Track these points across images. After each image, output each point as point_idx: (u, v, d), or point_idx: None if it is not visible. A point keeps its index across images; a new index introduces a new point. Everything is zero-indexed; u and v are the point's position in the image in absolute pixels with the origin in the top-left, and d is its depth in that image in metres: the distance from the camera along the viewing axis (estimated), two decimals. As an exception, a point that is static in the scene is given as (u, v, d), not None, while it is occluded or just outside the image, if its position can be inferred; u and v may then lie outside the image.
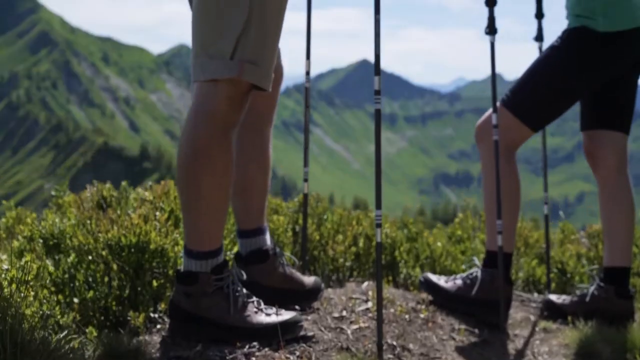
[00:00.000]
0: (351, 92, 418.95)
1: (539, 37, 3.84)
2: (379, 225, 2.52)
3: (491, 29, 3.15)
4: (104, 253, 2.63)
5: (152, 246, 2.61)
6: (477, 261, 3.41)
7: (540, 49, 3.95)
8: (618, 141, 3.32)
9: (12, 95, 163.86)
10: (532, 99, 3.24)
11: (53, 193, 4.38)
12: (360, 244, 3.80)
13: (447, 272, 3.98)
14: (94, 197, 3.56)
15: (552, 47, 3.21)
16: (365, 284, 3.51)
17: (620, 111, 3.30)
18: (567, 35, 3.18)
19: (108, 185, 3.71)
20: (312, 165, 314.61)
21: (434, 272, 3.95)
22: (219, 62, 2.19)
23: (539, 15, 3.81)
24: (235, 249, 3.02)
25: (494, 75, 3.28)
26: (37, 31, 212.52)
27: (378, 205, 2.62)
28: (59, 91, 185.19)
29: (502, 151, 3.25)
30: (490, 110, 3.29)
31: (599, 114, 3.32)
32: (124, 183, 3.81)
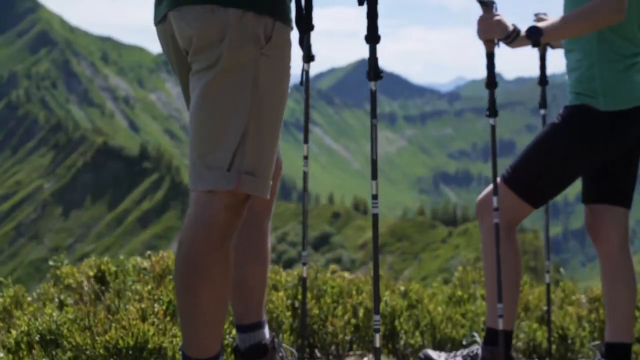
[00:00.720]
0: (351, 92, 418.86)
1: (543, 105, 3.82)
2: (377, 331, 2.39)
3: (491, 112, 3.15)
4: (101, 351, 2.57)
5: (150, 345, 2.55)
6: (478, 337, 3.41)
7: (543, 117, 3.95)
8: (620, 216, 3.30)
9: (12, 94, 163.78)
10: (533, 177, 3.23)
11: (51, 263, 4.14)
12: (360, 315, 3.71)
13: (447, 339, 3.94)
14: (92, 269, 3.53)
15: (553, 125, 3.21)
16: (365, 358, 3.48)
17: (622, 187, 3.28)
18: (569, 114, 3.16)
19: (106, 258, 3.70)
20: (312, 164, 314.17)
21: (435, 340, 3.90)
22: (217, 173, 2.15)
23: (543, 82, 3.78)
24: (232, 332, 3.00)
25: (495, 158, 3.23)
26: (37, 31, 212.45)
27: (376, 311, 2.41)
28: (59, 91, 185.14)
29: (502, 228, 3.23)
30: (491, 186, 3.29)
31: (600, 189, 3.30)
32: (122, 257, 3.79)
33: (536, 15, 3.63)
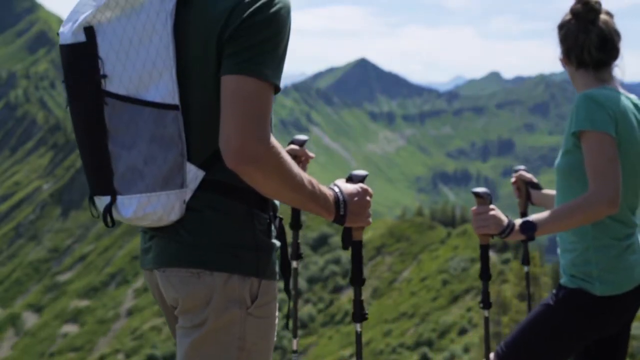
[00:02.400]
0: (349, 91, 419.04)
1: (526, 261, 3.82)
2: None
3: (485, 304, 3.12)
4: None
5: None
6: None
7: (527, 274, 3.91)
8: None
9: (10, 95, 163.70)
10: (525, 356, 3.20)
11: None
12: None
13: None
14: None
15: (547, 306, 3.13)
16: None
17: None
18: (563, 296, 3.10)
19: None
20: (311, 164, 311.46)
21: None
22: None
23: (526, 262, 3.79)
24: None
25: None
26: (36, 31, 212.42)
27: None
28: (57, 91, 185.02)
29: None
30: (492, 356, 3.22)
31: None
32: None
33: (515, 170, 3.65)
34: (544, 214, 2.99)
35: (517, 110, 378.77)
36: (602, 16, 3.08)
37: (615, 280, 3.03)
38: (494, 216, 2.93)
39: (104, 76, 1.99)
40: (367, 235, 69.38)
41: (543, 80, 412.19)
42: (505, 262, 53.83)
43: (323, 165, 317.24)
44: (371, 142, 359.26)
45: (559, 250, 3.16)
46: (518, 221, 2.94)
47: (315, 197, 2.08)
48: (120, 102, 2.01)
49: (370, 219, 2.31)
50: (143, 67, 2.01)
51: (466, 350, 42.72)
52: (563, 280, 3.11)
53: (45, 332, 74.56)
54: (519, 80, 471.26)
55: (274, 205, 2.19)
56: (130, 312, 71.44)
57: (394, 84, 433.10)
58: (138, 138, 2.02)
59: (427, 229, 66.78)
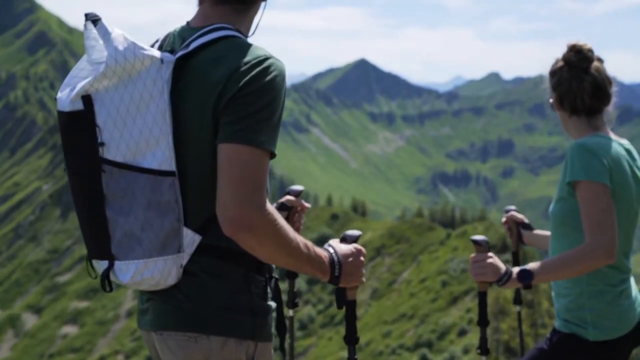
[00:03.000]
0: (349, 92, 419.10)
1: (518, 300, 3.83)
2: None
3: (483, 350, 3.15)
4: None
5: None
6: None
7: (519, 314, 3.94)
8: None
9: (10, 95, 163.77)
10: None
11: None
12: None
13: None
14: None
15: (540, 350, 3.15)
16: None
17: None
18: (556, 341, 3.11)
19: None
20: (310, 164, 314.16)
21: None
22: None
23: (518, 301, 3.77)
24: None
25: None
26: (35, 31, 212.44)
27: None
28: (57, 92, 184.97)
29: None
30: None
31: None
32: None
33: (507, 211, 3.68)
34: (542, 262, 3.01)
35: (516, 111, 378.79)
36: (594, 63, 3.10)
37: (609, 326, 3.03)
38: (492, 264, 2.97)
39: (102, 144, 2.00)
40: (367, 237, 69.40)
41: (542, 80, 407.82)
42: (504, 264, 53.89)
43: (323, 165, 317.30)
44: (371, 142, 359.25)
45: (553, 293, 3.17)
46: (516, 269, 2.96)
47: (310, 260, 2.11)
48: (117, 169, 2.01)
49: (364, 279, 2.32)
50: (140, 134, 2.01)
51: (466, 351, 42.72)
52: (557, 325, 3.13)
53: (45, 333, 74.54)
54: (518, 80, 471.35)
55: (270, 267, 2.21)
56: (130, 313, 71.40)
57: (394, 85, 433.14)
58: (135, 204, 2.03)
59: (426, 230, 66.79)
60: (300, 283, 65.74)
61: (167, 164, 2.04)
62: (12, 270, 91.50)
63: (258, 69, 2.02)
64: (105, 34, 2.02)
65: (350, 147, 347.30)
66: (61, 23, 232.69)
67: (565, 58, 3.14)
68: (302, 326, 59.03)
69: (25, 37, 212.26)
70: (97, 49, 2.05)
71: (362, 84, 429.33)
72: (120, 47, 1.99)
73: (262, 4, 2.29)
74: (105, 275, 2.07)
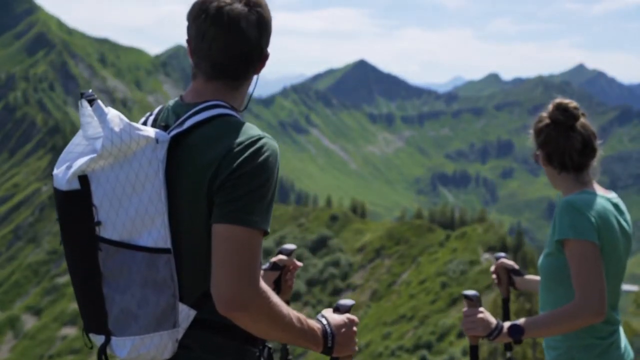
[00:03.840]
0: (348, 93, 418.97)
1: (509, 348, 3.84)
2: None
3: None
4: None
5: None
6: None
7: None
8: None
9: (9, 96, 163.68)
10: None
11: None
12: None
13: None
14: None
15: None
16: None
17: None
18: None
19: None
20: (310, 165, 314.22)
21: None
22: None
23: (509, 348, 3.82)
24: None
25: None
26: (34, 32, 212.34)
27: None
28: (56, 93, 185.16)
29: None
30: None
31: None
32: None
33: (497, 258, 3.68)
34: (533, 318, 3.05)
35: (516, 112, 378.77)
36: (580, 120, 3.16)
37: None
38: (483, 319, 3.00)
39: (98, 223, 2.03)
40: (366, 238, 69.40)
41: (542, 81, 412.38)
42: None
43: (322, 166, 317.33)
44: (370, 143, 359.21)
45: (544, 345, 3.20)
46: (507, 324, 2.99)
47: (303, 334, 2.12)
48: (114, 247, 2.04)
49: (356, 347, 2.35)
50: (136, 213, 2.04)
51: (465, 353, 42.71)
52: None
53: (44, 335, 74.52)
54: (517, 81, 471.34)
55: None
56: (129, 315, 71.43)
57: (393, 86, 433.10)
58: (131, 282, 2.06)
59: (426, 232, 66.78)
60: (300, 285, 65.72)
61: (163, 242, 2.07)
62: (11, 271, 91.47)
63: (251, 149, 2.05)
64: (101, 115, 2.07)
65: (350, 148, 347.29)
66: (61, 24, 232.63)
67: (551, 116, 3.18)
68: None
69: (25, 38, 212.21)
70: (92, 125, 2.12)
71: (362, 85, 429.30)
72: (116, 129, 2.03)
73: (254, 77, 2.33)
74: (102, 350, 2.09)
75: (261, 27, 2.25)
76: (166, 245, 2.08)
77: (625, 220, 3.14)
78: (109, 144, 2.01)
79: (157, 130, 2.13)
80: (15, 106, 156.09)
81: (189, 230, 2.11)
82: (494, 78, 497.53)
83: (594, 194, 3.09)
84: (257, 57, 2.27)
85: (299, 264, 2.84)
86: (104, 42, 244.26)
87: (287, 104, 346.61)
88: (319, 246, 70.80)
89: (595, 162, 3.20)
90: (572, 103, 3.17)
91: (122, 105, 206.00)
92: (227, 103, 2.22)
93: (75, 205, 2.06)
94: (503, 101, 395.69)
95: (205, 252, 2.09)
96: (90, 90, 2.15)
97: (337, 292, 63.72)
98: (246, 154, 2.06)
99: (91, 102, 2.12)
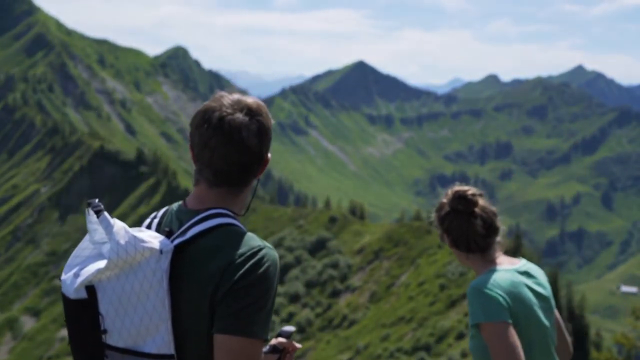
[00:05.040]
0: (347, 94, 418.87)
1: None
2: None
3: None
4: None
5: None
6: None
7: None
8: None
9: (8, 98, 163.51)
10: None
11: None
12: None
13: None
14: None
15: None
16: None
17: None
18: None
19: None
20: (309, 166, 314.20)
21: None
22: None
23: None
24: None
25: None
26: (34, 33, 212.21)
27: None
28: (55, 94, 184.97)
29: None
30: None
31: None
32: None
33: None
34: None
35: (514, 113, 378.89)
36: (480, 203, 3.28)
37: None
38: None
39: (105, 331, 2.11)
40: (365, 240, 69.35)
41: (541, 83, 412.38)
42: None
43: (321, 168, 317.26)
44: (369, 145, 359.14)
45: None
46: None
47: None
48: (119, 354, 2.13)
49: None
50: (141, 322, 2.12)
51: (464, 355, 42.70)
52: None
53: (43, 336, 74.47)
54: (516, 83, 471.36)
55: None
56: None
57: (392, 87, 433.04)
58: None
59: (424, 233, 66.72)
60: (299, 286, 65.71)
61: (166, 348, 2.14)
62: (10, 272, 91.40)
63: (252, 261, 2.15)
64: (107, 227, 2.15)
65: (349, 149, 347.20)
66: (60, 25, 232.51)
67: (451, 205, 3.32)
68: (301, 329, 58.98)
69: (24, 39, 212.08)
70: (99, 232, 2.20)
71: (361, 86, 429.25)
72: (122, 242, 2.11)
73: (255, 181, 2.42)
74: None
75: (262, 135, 2.32)
76: (170, 351, 2.15)
77: (539, 284, 3.23)
78: (115, 256, 2.09)
79: (161, 238, 2.20)
80: (14, 107, 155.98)
81: (192, 337, 2.18)
82: (492, 79, 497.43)
83: (500, 271, 3.18)
84: (257, 164, 2.35)
85: (298, 345, 2.89)
86: (103, 43, 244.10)
87: (286, 105, 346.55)
88: (317, 248, 70.77)
89: (499, 238, 3.29)
90: (470, 190, 3.31)
91: (121, 106, 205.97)
92: (228, 209, 2.30)
93: (83, 314, 2.12)
94: (502, 102, 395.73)
95: (208, 357, 2.18)
96: (97, 200, 2.23)
97: (336, 294, 63.70)
98: (247, 266, 2.15)
99: (98, 213, 2.19)
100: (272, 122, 2.41)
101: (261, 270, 2.16)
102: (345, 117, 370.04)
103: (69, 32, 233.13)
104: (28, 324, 78.35)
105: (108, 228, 2.14)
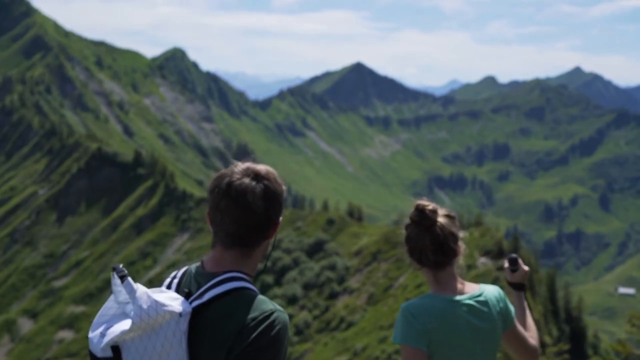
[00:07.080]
0: (345, 95, 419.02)
1: None
2: None
3: None
4: None
5: None
6: None
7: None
8: None
9: (6, 99, 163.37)
10: None
11: None
12: None
13: None
14: None
15: None
16: None
17: None
18: None
19: None
20: (307, 168, 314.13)
21: None
22: None
23: None
24: None
25: None
26: (31, 35, 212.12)
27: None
28: (53, 95, 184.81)
29: None
30: None
31: None
32: None
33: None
34: None
35: (512, 115, 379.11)
36: (440, 220, 3.38)
37: None
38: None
39: None
40: (363, 242, 69.32)
41: (538, 84, 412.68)
42: (501, 268, 53.83)
43: (319, 169, 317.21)
44: (367, 146, 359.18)
45: None
46: None
47: None
48: None
49: None
50: None
51: (462, 356, 42.68)
52: None
53: (41, 338, 74.36)
54: (514, 84, 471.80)
55: None
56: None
57: (390, 89, 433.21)
58: None
59: (423, 235, 66.70)
60: (296, 288, 65.68)
61: None
62: (8, 274, 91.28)
63: (264, 324, 2.35)
64: (130, 292, 2.34)
65: (347, 150, 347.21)
66: (57, 27, 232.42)
67: (411, 217, 3.43)
68: (298, 331, 58.94)
69: (22, 41, 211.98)
70: (122, 293, 2.38)
71: (358, 87, 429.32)
72: (145, 306, 2.31)
73: (265, 243, 2.63)
74: None
75: (268, 198, 2.51)
76: None
77: (480, 316, 3.29)
78: (138, 320, 2.28)
79: (181, 299, 2.42)
80: (11, 109, 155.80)
81: None
82: (490, 81, 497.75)
83: (437, 298, 3.32)
84: (266, 226, 2.53)
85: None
86: (100, 44, 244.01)
87: (283, 106, 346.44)
88: (315, 250, 70.72)
89: (460, 261, 3.45)
90: (430, 206, 3.44)
91: (119, 108, 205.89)
92: (242, 272, 2.52)
93: None
94: (500, 104, 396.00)
95: None
96: (122, 266, 2.41)
97: (333, 296, 63.68)
98: (259, 330, 2.35)
99: (122, 277, 2.37)
100: (284, 187, 2.60)
101: (272, 332, 2.36)
102: (343, 118, 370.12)
103: (67, 34, 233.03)
104: (26, 326, 78.24)
105: (132, 293, 2.33)
